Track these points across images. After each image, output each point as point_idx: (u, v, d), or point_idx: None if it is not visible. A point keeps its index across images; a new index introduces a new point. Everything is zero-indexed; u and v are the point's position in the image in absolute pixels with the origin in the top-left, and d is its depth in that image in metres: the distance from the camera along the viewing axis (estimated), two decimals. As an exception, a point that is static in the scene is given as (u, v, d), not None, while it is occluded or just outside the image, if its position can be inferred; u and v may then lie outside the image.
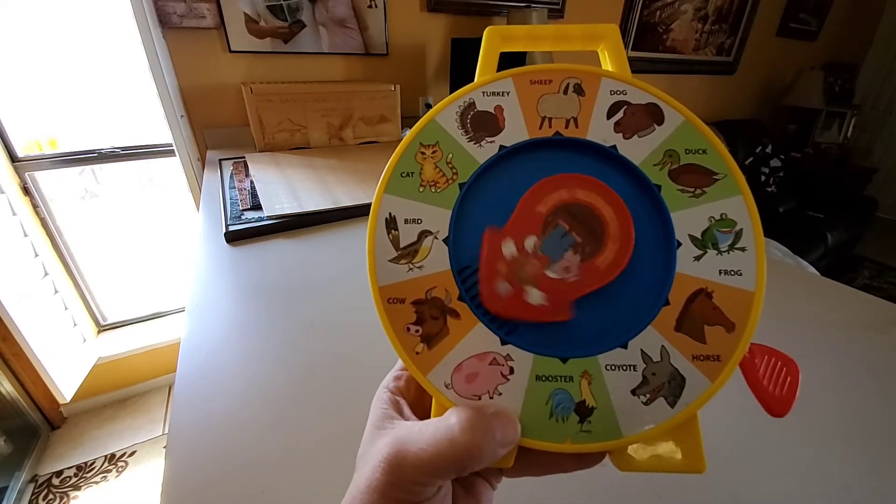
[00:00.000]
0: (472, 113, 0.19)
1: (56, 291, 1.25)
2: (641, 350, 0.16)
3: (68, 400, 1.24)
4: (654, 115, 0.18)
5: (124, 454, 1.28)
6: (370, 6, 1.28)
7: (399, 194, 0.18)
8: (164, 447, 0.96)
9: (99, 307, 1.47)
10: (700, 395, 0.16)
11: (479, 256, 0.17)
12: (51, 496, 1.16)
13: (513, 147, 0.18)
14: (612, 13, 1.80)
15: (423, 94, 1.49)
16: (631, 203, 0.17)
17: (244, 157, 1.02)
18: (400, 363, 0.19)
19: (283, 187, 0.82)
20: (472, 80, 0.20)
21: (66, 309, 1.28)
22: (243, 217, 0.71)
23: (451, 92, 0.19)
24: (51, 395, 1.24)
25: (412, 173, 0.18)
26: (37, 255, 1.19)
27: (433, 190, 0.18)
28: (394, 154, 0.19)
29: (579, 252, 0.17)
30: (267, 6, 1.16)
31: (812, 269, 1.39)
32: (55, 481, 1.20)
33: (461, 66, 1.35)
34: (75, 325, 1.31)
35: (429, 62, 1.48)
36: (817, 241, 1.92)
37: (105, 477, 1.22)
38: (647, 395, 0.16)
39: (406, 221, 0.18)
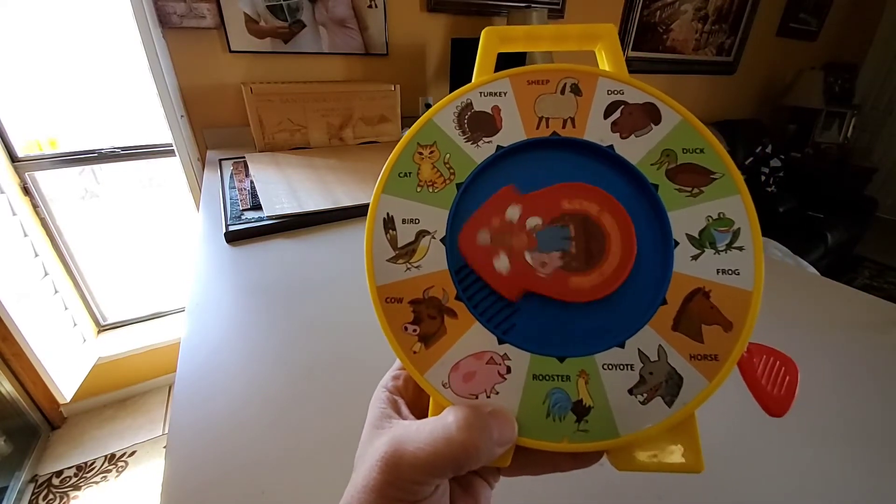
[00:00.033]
0: (469, 113, 0.19)
1: (56, 291, 1.25)
2: (639, 349, 0.16)
3: (68, 400, 1.24)
4: (651, 114, 0.18)
5: (124, 454, 1.28)
6: (370, 6, 1.28)
7: (397, 194, 0.18)
8: (164, 447, 0.97)
9: (99, 307, 1.47)
10: (698, 395, 0.16)
11: (484, 202, 0.18)
12: (51, 496, 1.16)
13: (510, 147, 0.18)
14: (612, 13, 1.80)
15: (423, 94, 1.49)
16: (628, 203, 0.17)
17: (244, 157, 1.02)
18: (398, 363, 0.19)
19: (283, 187, 0.82)
20: (471, 81, 0.20)
21: (66, 309, 1.29)
22: (243, 217, 0.71)
23: (451, 92, 0.19)
24: (51, 395, 1.24)
25: (410, 173, 0.19)
26: (37, 255, 1.19)
27: (431, 190, 0.18)
28: (392, 154, 0.19)
29: (565, 260, 0.17)
30: (267, 6, 1.16)
31: (812, 269, 1.39)
32: (55, 481, 1.20)
33: (461, 66, 1.35)
34: (75, 325, 1.31)
35: (429, 62, 1.48)
36: (817, 241, 1.92)
37: (105, 477, 1.22)
38: (645, 395, 0.16)
39: (404, 221, 0.18)
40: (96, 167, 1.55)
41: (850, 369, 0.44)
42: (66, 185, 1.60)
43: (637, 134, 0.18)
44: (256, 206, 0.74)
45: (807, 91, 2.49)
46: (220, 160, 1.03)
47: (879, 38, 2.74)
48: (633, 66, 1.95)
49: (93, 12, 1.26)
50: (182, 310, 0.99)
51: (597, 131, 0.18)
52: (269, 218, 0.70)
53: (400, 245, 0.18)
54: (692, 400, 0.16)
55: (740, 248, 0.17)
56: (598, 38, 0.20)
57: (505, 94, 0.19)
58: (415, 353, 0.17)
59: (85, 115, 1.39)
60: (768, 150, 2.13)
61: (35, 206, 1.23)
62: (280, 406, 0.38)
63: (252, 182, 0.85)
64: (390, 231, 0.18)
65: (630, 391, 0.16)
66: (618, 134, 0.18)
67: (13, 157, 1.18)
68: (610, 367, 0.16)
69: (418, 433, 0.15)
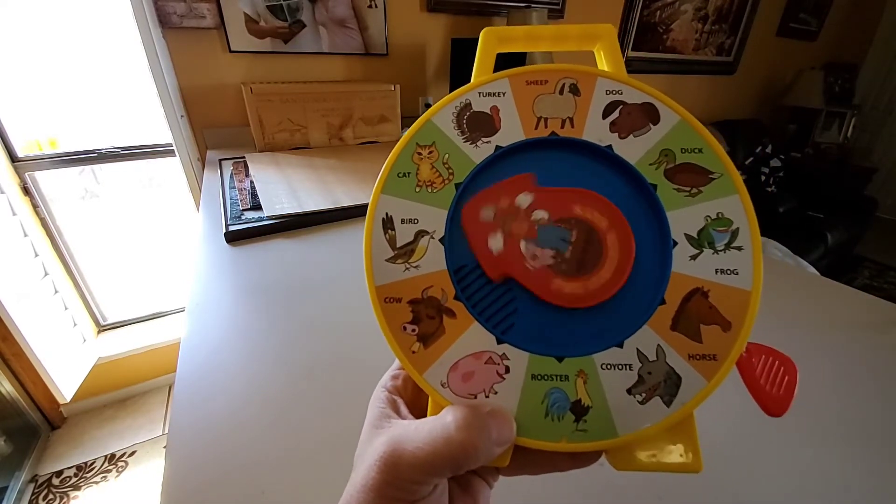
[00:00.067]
0: (468, 114, 0.19)
1: (56, 291, 1.25)
2: (637, 349, 0.16)
3: (68, 400, 1.24)
4: (649, 114, 0.18)
5: (124, 454, 1.28)
6: (370, 6, 1.28)
7: (396, 194, 0.18)
8: (164, 447, 0.97)
9: (99, 307, 1.47)
10: (696, 395, 0.16)
11: (501, 180, 0.18)
12: (51, 496, 1.16)
13: (509, 147, 0.18)
14: (612, 13, 1.80)
15: (423, 94, 1.49)
16: (627, 203, 0.17)
17: (244, 157, 1.02)
18: (397, 362, 0.19)
19: (283, 187, 0.82)
20: (470, 81, 0.20)
21: (66, 309, 1.29)
22: (243, 217, 0.71)
23: (451, 92, 0.20)
24: (51, 395, 1.24)
25: (409, 173, 0.19)
26: (37, 255, 1.19)
27: (430, 190, 0.18)
28: (391, 154, 0.19)
29: (556, 260, 0.17)
30: (267, 6, 1.16)
31: (812, 269, 1.39)
32: (55, 481, 1.20)
33: (461, 66, 1.35)
34: (75, 325, 1.32)
35: (429, 62, 1.48)
36: (817, 241, 1.92)
37: (105, 477, 1.22)
38: (643, 395, 0.16)
39: (403, 221, 0.18)
40: (96, 167, 1.55)
41: (850, 369, 0.44)
42: (66, 185, 1.61)
43: (636, 134, 0.18)
44: (256, 206, 0.74)
45: (807, 91, 2.49)
46: (220, 160, 1.03)
47: (879, 38, 2.74)
48: (633, 66, 1.95)
49: (93, 12, 1.26)
50: (182, 310, 0.99)
51: (595, 131, 0.18)
52: (269, 218, 0.70)
53: (399, 245, 0.18)
54: (691, 400, 0.16)
55: (739, 248, 0.17)
56: (596, 38, 0.20)
57: (504, 94, 0.19)
58: (413, 352, 0.17)
59: (85, 115, 1.39)
60: (768, 150, 2.13)
61: (35, 206, 1.23)
62: (280, 406, 0.38)
63: (252, 182, 0.85)
64: (389, 231, 0.18)
65: (629, 391, 0.16)
66: (616, 134, 0.18)
67: (13, 157, 1.18)
68: (608, 366, 0.16)
69: (417, 433, 0.15)
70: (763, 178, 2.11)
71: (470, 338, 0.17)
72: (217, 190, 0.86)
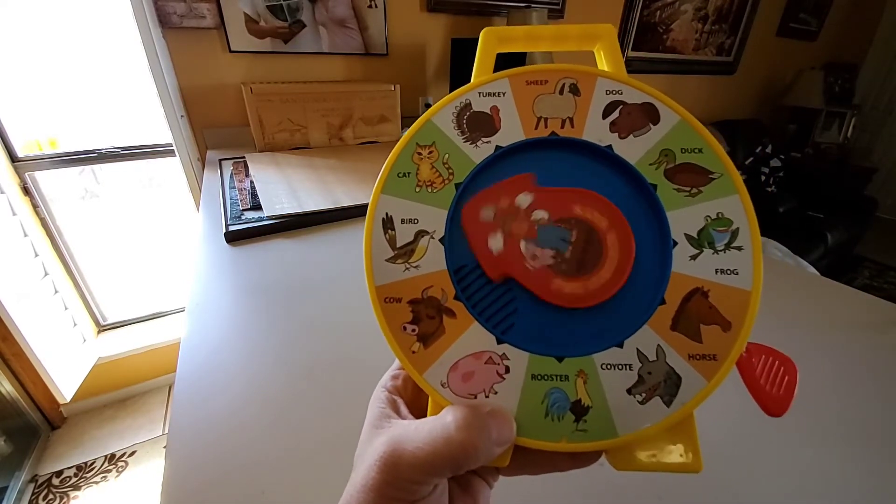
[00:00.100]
0: (468, 114, 0.19)
1: (56, 291, 1.25)
2: (637, 349, 0.16)
3: (68, 400, 1.24)
4: (649, 114, 0.18)
5: (124, 454, 1.28)
6: (370, 6, 1.28)
7: (396, 194, 0.18)
8: (164, 447, 0.97)
9: (99, 307, 1.47)
10: (696, 395, 0.16)
11: (501, 180, 0.18)
12: (51, 496, 1.16)
13: (509, 147, 0.18)
14: (612, 13, 1.80)
15: (423, 94, 1.49)
16: (627, 203, 0.17)
17: (244, 157, 1.02)
18: (397, 362, 0.19)
19: (283, 187, 0.82)
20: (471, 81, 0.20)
21: (66, 309, 1.29)
22: (243, 217, 0.71)
23: (451, 92, 0.20)
24: (51, 395, 1.24)
25: (409, 173, 0.19)
26: (37, 255, 1.19)
27: (430, 190, 0.18)
28: (391, 154, 0.19)
29: (556, 260, 0.17)
30: (267, 6, 1.16)
31: (812, 269, 1.39)
32: (55, 481, 1.20)
33: (461, 66, 1.35)
34: (75, 325, 1.32)
35: (429, 62, 1.48)
36: (817, 241, 1.92)
37: (105, 477, 1.22)
38: (643, 395, 0.16)
39: (403, 221, 0.18)
40: (96, 167, 1.55)
41: (850, 369, 0.44)
42: (66, 185, 1.61)
43: (636, 134, 0.18)
44: (256, 206, 0.74)
45: (807, 91, 2.49)
46: (220, 160, 1.03)
47: (879, 38, 2.74)
48: (633, 66, 1.95)
49: (93, 12, 1.26)
50: (182, 310, 0.99)
51: (595, 131, 0.18)
52: (269, 218, 0.70)
53: (399, 245, 0.18)
54: (691, 400, 0.16)
55: (739, 248, 0.17)
56: (596, 38, 0.20)
57: (504, 94, 0.19)
58: (413, 352, 0.17)
59: (85, 115, 1.39)
60: (768, 150, 2.13)
61: (35, 206, 1.23)
62: (280, 406, 0.38)
63: (252, 182, 0.85)
64: (389, 231, 0.18)
65: (629, 391, 0.16)
66: (616, 134, 0.18)
67: (13, 157, 1.18)
68: (608, 366, 0.16)
69: (417, 433, 0.15)
70: (763, 178, 2.11)
71: (470, 338, 0.17)
72: (217, 190, 0.86)
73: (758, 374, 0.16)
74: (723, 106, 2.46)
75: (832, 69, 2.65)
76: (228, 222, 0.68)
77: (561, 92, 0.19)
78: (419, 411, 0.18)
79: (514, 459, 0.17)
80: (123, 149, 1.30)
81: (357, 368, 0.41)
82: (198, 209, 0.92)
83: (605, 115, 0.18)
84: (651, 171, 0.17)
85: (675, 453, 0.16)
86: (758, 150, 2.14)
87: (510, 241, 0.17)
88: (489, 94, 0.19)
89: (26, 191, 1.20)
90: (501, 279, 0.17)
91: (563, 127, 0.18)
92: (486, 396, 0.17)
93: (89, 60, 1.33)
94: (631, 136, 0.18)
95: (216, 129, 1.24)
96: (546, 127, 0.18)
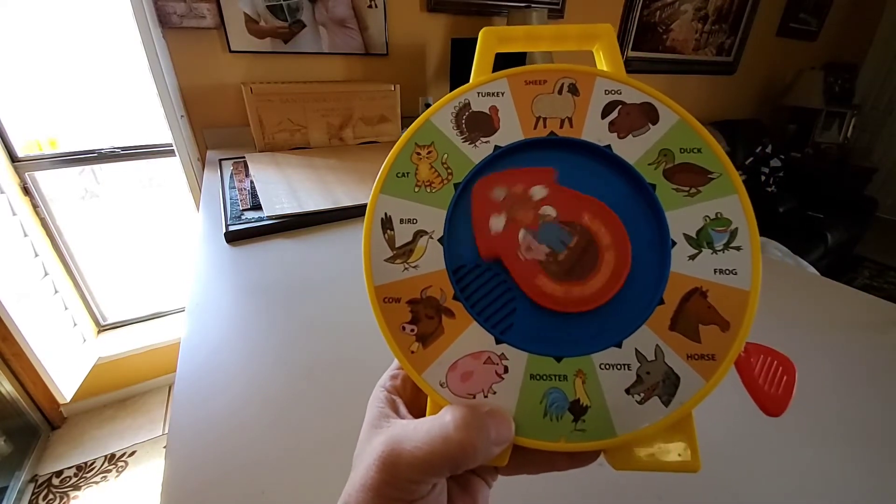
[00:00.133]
0: (467, 114, 0.19)
1: (56, 291, 1.25)
2: (636, 349, 0.16)
3: (68, 400, 1.24)
4: (648, 114, 0.18)
5: (124, 454, 1.28)
6: (370, 6, 1.29)
7: (395, 194, 0.18)
8: (164, 447, 0.97)
9: (99, 307, 1.47)
10: (695, 394, 0.16)
11: (519, 166, 0.18)
12: (51, 496, 1.16)
13: (507, 147, 0.18)
14: (612, 13, 1.80)
15: (423, 94, 1.49)
16: (625, 203, 0.17)
17: (244, 157, 1.02)
18: (396, 362, 0.19)
19: (283, 187, 0.82)
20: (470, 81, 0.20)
21: (66, 309, 1.29)
22: (243, 217, 0.71)
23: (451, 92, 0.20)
24: (51, 395, 1.24)
25: (408, 174, 0.19)
26: (37, 255, 1.19)
27: (428, 190, 0.18)
28: (389, 154, 0.19)
29: (548, 259, 0.17)
30: (267, 6, 1.16)
31: (812, 269, 1.39)
32: (55, 481, 1.20)
33: (461, 66, 1.35)
34: (75, 325, 1.32)
35: (429, 62, 1.48)
36: (817, 241, 1.92)
37: (105, 477, 1.22)
38: (642, 394, 0.16)
39: (401, 221, 0.18)
40: (96, 167, 1.56)
41: (850, 369, 0.44)
42: (66, 185, 1.61)
43: (634, 134, 0.18)
44: (256, 206, 0.74)
45: (807, 91, 2.49)
46: (220, 160, 1.03)
47: (879, 38, 2.74)
48: (633, 66, 1.95)
49: (93, 12, 1.26)
50: (182, 310, 0.99)
51: (594, 131, 0.18)
52: (269, 218, 0.70)
53: (398, 245, 0.18)
54: (689, 399, 0.16)
55: (738, 248, 0.17)
56: (595, 38, 0.20)
57: (502, 94, 0.19)
58: (412, 352, 0.17)
59: (85, 115, 1.39)
60: (768, 150, 2.13)
61: (35, 206, 1.23)
62: (280, 406, 0.38)
63: (252, 182, 0.85)
64: (388, 231, 0.18)
65: (627, 391, 0.16)
66: (615, 134, 0.18)
67: (13, 157, 1.18)
68: (607, 366, 0.16)
69: (416, 432, 0.15)
70: (763, 178, 2.11)
71: (469, 338, 0.17)
72: (217, 190, 0.86)
73: (756, 374, 0.16)
74: (723, 106, 2.46)
75: (832, 69, 2.65)
76: (228, 222, 0.68)
77: (560, 92, 0.19)
78: (418, 411, 0.18)
79: (512, 459, 0.17)
80: (123, 149, 1.30)
81: (357, 368, 0.41)
82: (198, 209, 0.92)
83: (604, 114, 0.18)
84: (650, 171, 0.17)
85: (673, 452, 0.16)
86: (758, 150, 2.14)
87: (511, 226, 0.17)
88: (488, 94, 0.19)
89: (26, 191, 1.20)
90: (490, 260, 0.17)
91: (561, 127, 0.18)
92: (485, 396, 0.17)
93: (89, 60, 1.33)
94: (630, 135, 0.18)
95: (216, 129, 1.24)
96: (545, 127, 0.18)
